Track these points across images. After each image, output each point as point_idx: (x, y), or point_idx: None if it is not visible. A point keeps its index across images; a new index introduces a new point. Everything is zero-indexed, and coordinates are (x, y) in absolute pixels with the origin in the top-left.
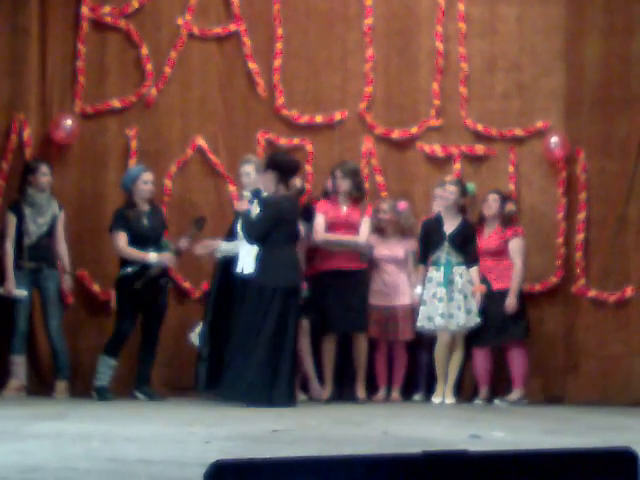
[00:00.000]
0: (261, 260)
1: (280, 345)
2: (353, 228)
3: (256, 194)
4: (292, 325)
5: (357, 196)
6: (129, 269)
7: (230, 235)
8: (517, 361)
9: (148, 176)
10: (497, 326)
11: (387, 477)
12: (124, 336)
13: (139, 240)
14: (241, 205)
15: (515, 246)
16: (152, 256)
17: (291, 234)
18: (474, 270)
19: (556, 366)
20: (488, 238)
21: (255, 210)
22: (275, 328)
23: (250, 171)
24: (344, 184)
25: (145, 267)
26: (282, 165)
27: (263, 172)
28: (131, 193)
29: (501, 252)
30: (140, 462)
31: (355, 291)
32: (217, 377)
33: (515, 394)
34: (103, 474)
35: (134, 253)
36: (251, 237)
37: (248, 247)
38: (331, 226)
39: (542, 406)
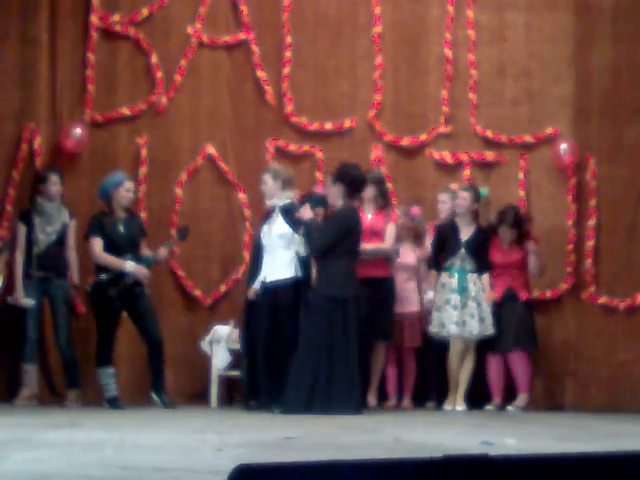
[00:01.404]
0: (320, 270)
1: (346, 354)
2: (378, 235)
3: (318, 201)
4: (354, 333)
5: (382, 203)
6: (102, 275)
7: (257, 249)
8: (521, 367)
9: (130, 184)
10: (513, 334)
11: None
12: (109, 342)
13: (114, 247)
14: (304, 213)
15: (530, 248)
16: (129, 265)
17: (353, 247)
18: (485, 277)
19: (566, 373)
20: (508, 252)
21: (308, 213)
22: (340, 338)
23: (266, 180)
24: (369, 191)
25: (120, 275)
26: (350, 179)
27: (331, 185)
28: (109, 199)
29: (525, 264)
30: (153, 470)
31: (383, 299)
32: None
33: (520, 400)
34: None
35: (110, 260)
36: (315, 248)
37: (273, 255)
38: None
39: (552, 413)
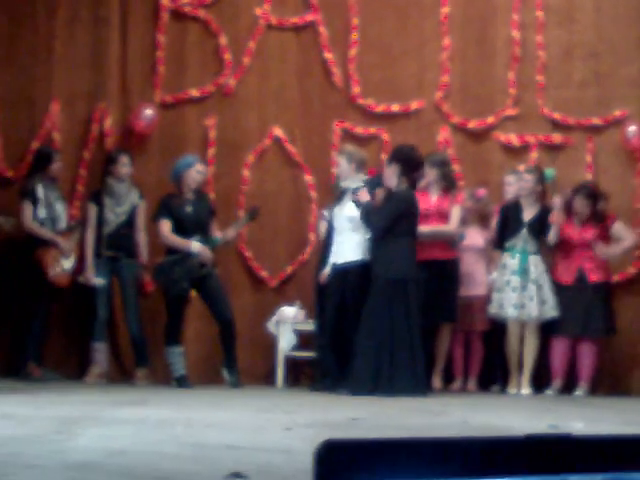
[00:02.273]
0: (379, 252)
1: (408, 336)
2: (444, 217)
3: (375, 183)
4: (416, 315)
5: (446, 185)
6: (169, 257)
7: (329, 233)
8: (586, 356)
9: (202, 167)
10: (581, 320)
11: (492, 459)
12: (177, 321)
13: (182, 228)
14: (362, 195)
15: (618, 228)
16: (194, 245)
17: (411, 228)
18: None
19: (633, 358)
20: (581, 230)
21: (365, 196)
22: (401, 320)
23: (341, 162)
24: (431, 174)
25: (187, 255)
26: (406, 159)
27: (387, 165)
28: (180, 180)
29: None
30: (224, 447)
31: (446, 281)
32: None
33: (581, 389)
34: (190, 459)
35: (177, 241)
36: (374, 229)
37: (342, 237)
38: (422, 217)
39: (619, 398)
